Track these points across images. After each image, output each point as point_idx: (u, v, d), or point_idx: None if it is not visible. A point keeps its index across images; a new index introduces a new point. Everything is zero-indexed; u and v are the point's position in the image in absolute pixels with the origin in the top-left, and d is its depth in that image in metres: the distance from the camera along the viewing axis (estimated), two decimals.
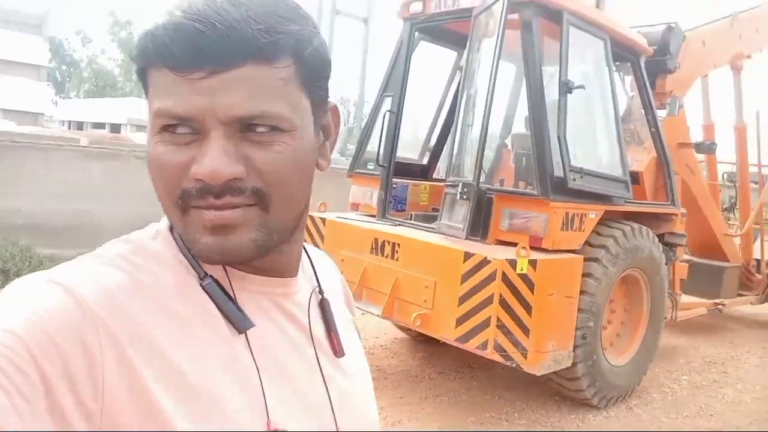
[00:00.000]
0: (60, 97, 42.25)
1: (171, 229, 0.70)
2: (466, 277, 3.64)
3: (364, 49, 11.20)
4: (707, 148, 6.08)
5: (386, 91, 4.85)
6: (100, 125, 34.36)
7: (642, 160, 4.95)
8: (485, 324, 3.55)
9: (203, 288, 0.66)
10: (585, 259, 3.96)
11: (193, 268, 0.67)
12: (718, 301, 6.88)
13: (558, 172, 3.77)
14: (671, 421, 4.42)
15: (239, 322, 0.66)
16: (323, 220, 4.68)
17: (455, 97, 5.59)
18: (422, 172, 5.59)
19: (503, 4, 3.61)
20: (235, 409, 0.62)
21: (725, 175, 8.19)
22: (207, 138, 0.61)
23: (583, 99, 4.18)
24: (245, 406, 0.63)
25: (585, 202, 3.97)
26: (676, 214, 5.01)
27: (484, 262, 3.55)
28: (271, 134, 0.62)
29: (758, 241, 8.02)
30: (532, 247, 3.77)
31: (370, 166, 4.94)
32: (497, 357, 3.57)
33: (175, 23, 0.59)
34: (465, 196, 3.64)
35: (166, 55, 0.60)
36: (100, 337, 0.56)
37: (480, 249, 3.71)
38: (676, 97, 5.34)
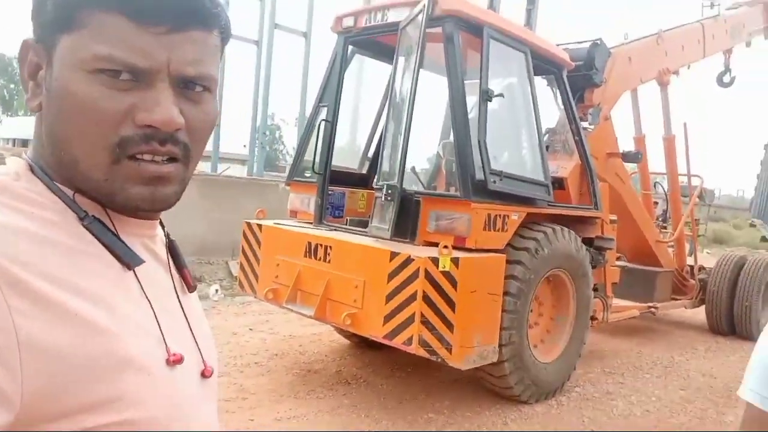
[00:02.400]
0: (8, 115, 41.36)
1: (32, 169, 0.69)
2: (392, 276, 3.79)
3: (305, 64, 11.38)
4: (633, 157, 6.40)
5: (322, 101, 5.01)
6: None
7: (567, 166, 5.21)
8: (410, 320, 3.69)
9: (85, 227, 0.66)
10: (508, 261, 4.14)
11: (71, 208, 0.67)
12: (651, 304, 7.19)
13: (479, 175, 3.97)
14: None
15: (129, 259, 0.69)
16: (260, 226, 4.79)
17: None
18: (361, 180, 5.74)
19: (423, 17, 3.82)
20: (136, 339, 0.65)
21: (657, 185, 8.58)
22: (152, 88, 0.64)
23: (506, 108, 4.42)
24: (146, 336, 0.66)
25: (507, 203, 4.18)
26: (599, 218, 5.27)
27: (408, 260, 3.71)
28: (203, 94, 0.69)
29: (689, 249, 8.45)
30: (456, 247, 3.94)
31: (308, 174, 5.08)
32: (422, 352, 3.70)
33: None
34: (389, 197, 3.80)
35: (130, 2, 0.63)
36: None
37: (406, 249, 3.87)
38: (598, 108, 5.64)
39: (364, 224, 4.97)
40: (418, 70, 3.82)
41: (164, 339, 0.68)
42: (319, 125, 4.84)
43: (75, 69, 0.63)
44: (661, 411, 4.85)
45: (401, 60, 4.27)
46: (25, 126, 39.13)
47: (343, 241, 4.18)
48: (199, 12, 0.67)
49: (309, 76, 11.51)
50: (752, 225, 10.42)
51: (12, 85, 43.28)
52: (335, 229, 4.65)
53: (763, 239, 9.17)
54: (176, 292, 0.78)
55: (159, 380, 0.66)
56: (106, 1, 0.63)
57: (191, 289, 0.83)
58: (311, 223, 4.91)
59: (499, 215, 4.13)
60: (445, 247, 3.72)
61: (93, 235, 0.66)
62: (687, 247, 8.42)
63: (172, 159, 0.67)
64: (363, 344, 5.58)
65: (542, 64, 4.90)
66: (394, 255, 3.79)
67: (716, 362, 6.63)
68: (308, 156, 5.16)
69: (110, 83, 0.63)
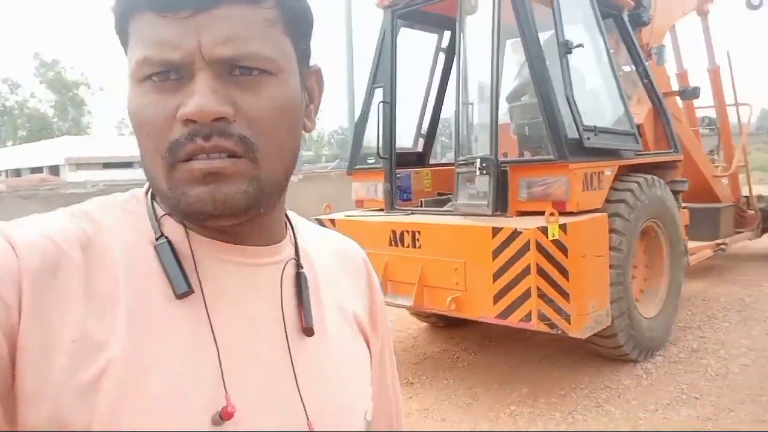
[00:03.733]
0: None
1: (147, 192, 0.68)
2: (497, 253, 3.57)
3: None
4: (691, 93, 6.12)
5: (375, 83, 4.76)
6: (37, 169, 33.54)
7: (639, 112, 4.95)
8: (526, 295, 3.49)
9: (155, 249, 0.63)
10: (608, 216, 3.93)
11: (153, 230, 0.64)
12: (719, 241, 6.97)
13: (572, 133, 3.73)
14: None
15: (177, 286, 0.61)
16: (333, 221, 4.57)
17: (442, 79, 5.54)
18: (419, 159, 5.51)
19: None
20: (144, 378, 0.57)
21: (705, 119, 8.28)
22: (192, 80, 0.58)
23: (580, 58, 4.14)
24: (161, 377, 0.58)
25: (601, 159, 3.94)
26: (680, 161, 5.02)
27: (515, 234, 3.49)
28: (259, 77, 0.60)
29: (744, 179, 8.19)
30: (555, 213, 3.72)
31: (370, 160, 4.84)
32: (543, 327, 3.51)
33: None
34: (485, 171, 3.57)
35: None
36: (22, 282, 0.55)
37: (506, 222, 3.64)
38: (662, 46, 5.36)
39: (440, 203, 4.76)
40: (499, 33, 3.56)
41: (224, 384, 0.59)
42: (378, 107, 4.59)
43: (132, 83, 0.61)
44: (759, 363, 4.40)
45: (463, 26, 3.99)
46: (16, 155, 38.92)
47: (432, 224, 3.96)
48: None
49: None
50: None
51: None
52: (413, 213, 4.43)
53: None
54: (285, 333, 0.67)
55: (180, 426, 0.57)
56: (133, 4, 0.59)
57: (306, 332, 0.69)
58: (382, 210, 4.70)
59: (595, 173, 3.89)
60: (552, 214, 3.49)
61: (158, 257, 0.62)
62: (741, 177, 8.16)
63: (232, 155, 0.59)
64: (439, 324, 5.42)
65: (603, 7, 4.61)
66: (496, 231, 3.57)
67: None
68: (365, 142, 4.93)
69: (159, 87, 0.59)
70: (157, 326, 0.59)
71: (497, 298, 3.60)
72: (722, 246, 6.97)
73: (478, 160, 3.58)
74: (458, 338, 5.19)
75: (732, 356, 4.54)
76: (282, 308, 0.68)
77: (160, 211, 0.66)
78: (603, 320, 3.85)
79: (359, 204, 4.98)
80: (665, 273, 4.77)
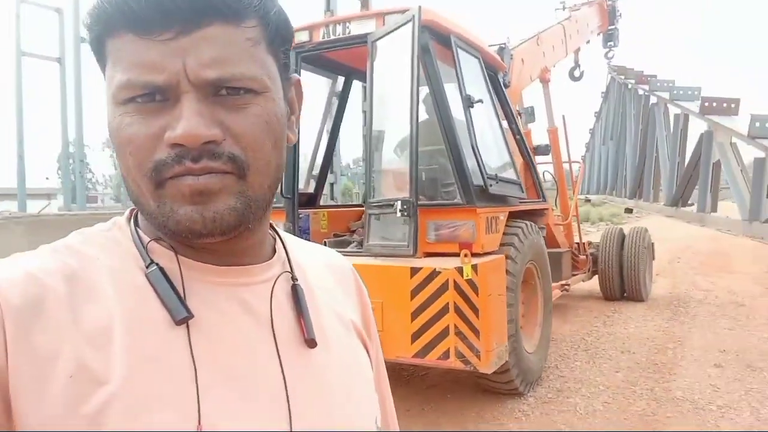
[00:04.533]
0: None
1: (129, 219, 0.68)
2: (415, 292, 3.71)
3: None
4: (544, 150, 6.91)
5: None
6: None
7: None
8: (444, 334, 3.64)
9: (146, 277, 0.62)
10: None
11: (141, 256, 0.64)
12: (563, 282, 7.82)
13: (477, 180, 4.03)
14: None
15: (176, 312, 0.61)
16: None
17: (334, 123, 5.67)
18: (309, 200, 5.52)
19: (414, 28, 3.78)
20: (150, 409, 0.56)
21: (545, 174, 9.34)
22: (178, 102, 0.58)
23: (474, 112, 4.52)
24: (169, 406, 0.57)
25: (498, 205, 4.29)
26: (547, 209, 5.62)
27: (434, 273, 3.66)
28: (245, 97, 0.61)
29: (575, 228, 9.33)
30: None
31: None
32: (459, 364, 3.67)
33: None
34: (406, 213, 3.71)
35: (129, 17, 0.57)
36: (5, 322, 0.54)
37: (422, 263, 3.80)
38: (531, 107, 6.01)
39: (343, 244, 4.80)
40: (418, 81, 3.77)
41: (199, 411, 0.58)
42: None
43: (111, 104, 0.61)
44: (618, 399, 4.67)
45: (377, 72, 4.17)
46: None
47: None
48: (209, 5, 0.58)
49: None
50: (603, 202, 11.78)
51: None
52: None
53: (627, 210, 10.38)
54: (278, 353, 0.66)
55: None
56: (112, 25, 0.59)
57: (309, 343, 0.69)
58: None
59: (494, 217, 4.22)
60: (465, 255, 3.72)
61: (150, 284, 0.62)
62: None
63: (219, 172, 0.61)
64: None
65: (486, 68, 5.10)
66: (415, 270, 3.71)
67: (623, 331, 6.95)
68: None
69: (136, 109, 0.59)
70: (156, 354, 0.59)
71: (415, 337, 3.71)
72: (566, 287, 7.83)
73: (399, 203, 3.72)
74: None
75: (593, 394, 4.78)
76: (272, 325, 0.67)
77: (145, 237, 0.66)
78: (503, 355, 4.13)
79: None
80: (540, 310, 5.24)
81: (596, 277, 9.09)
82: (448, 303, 3.62)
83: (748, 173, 4.52)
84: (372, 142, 4.19)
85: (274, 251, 0.74)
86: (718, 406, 4.46)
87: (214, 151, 0.58)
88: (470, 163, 4.04)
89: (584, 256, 8.98)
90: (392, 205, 3.81)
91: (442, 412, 4.43)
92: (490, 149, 4.66)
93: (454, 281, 3.62)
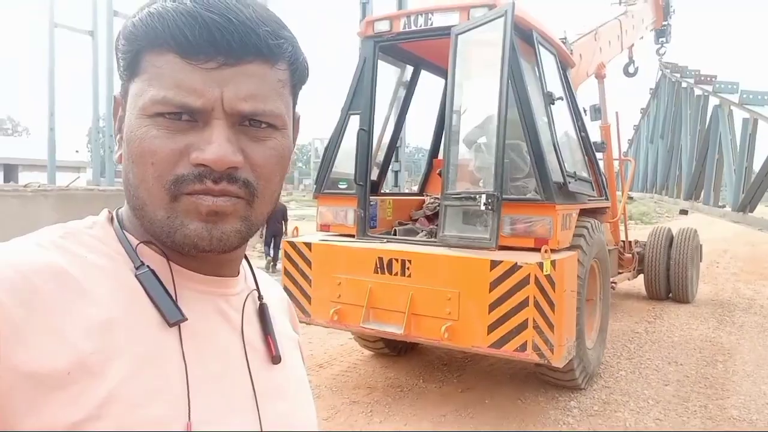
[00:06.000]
0: None
1: (110, 220, 0.71)
2: (495, 285, 3.77)
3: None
4: (599, 147, 6.88)
5: (351, 109, 4.80)
6: None
7: None
8: (522, 327, 3.70)
9: (137, 278, 0.65)
10: None
11: (130, 257, 0.66)
12: (611, 280, 7.81)
13: (556, 177, 4.06)
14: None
15: (170, 314, 0.64)
16: (308, 245, 4.50)
17: (400, 113, 5.73)
18: (372, 187, 5.58)
19: (506, 24, 3.80)
20: (147, 404, 0.59)
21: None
22: (208, 125, 0.62)
23: (553, 109, 4.54)
24: (163, 402, 0.60)
25: (573, 203, 4.32)
26: (609, 207, 5.62)
27: (515, 267, 3.71)
28: (267, 131, 0.66)
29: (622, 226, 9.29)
30: (535, 249, 4.01)
31: (342, 185, 4.84)
32: (534, 357, 3.74)
33: (189, 11, 0.61)
34: (490, 207, 3.76)
35: (179, 40, 0.61)
36: None
37: (503, 256, 3.85)
38: (597, 104, 5.99)
39: (412, 232, 4.87)
40: (510, 77, 3.80)
41: (189, 408, 0.62)
42: (359, 135, 4.64)
43: (139, 116, 0.63)
44: (670, 417, 4.48)
45: (459, 65, 4.21)
46: None
47: (424, 254, 4.06)
48: (254, 44, 0.63)
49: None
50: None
51: None
52: (395, 241, 4.50)
53: (683, 212, 10.29)
54: (247, 362, 0.71)
55: None
56: (158, 43, 0.62)
57: (273, 359, 0.75)
58: (352, 235, 4.72)
59: (568, 214, 4.26)
60: (546, 251, 3.77)
61: (141, 285, 0.64)
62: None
63: (233, 196, 0.65)
64: (389, 353, 5.50)
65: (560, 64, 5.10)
66: (495, 264, 3.77)
67: (667, 339, 6.71)
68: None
69: (170, 125, 0.62)
70: (151, 353, 0.61)
71: (491, 328, 3.78)
72: (613, 284, 7.82)
73: (484, 196, 3.77)
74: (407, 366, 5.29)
75: (642, 409, 4.59)
76: (243, 337, 0.72)
77: (133, 239, 0.68)
78: (572, 350, 4.19)
79: (325, 228, 4.93)
80: (599, 306, 5.28)
81: (641, 276, 9.06)
82: (528, 297, 3.68)
83: None
84: (450, 135, 4.24)
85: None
86: None
87: (233, 175, 0.63)
88: (550, 160, 4.07)
89: (630, 255, 8.95)
90: (474, 198, 3.86)
91: (479, 420, 4.23)
92: (566, 146, 4.68)
93: (535, 276, 3.68)
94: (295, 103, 0.72)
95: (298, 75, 0.70)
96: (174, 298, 0.66)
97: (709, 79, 8.45)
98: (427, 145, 6.39)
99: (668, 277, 8.73)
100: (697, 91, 9.17)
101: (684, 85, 9.95)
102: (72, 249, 0.63)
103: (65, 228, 0.67)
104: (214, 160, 0.61)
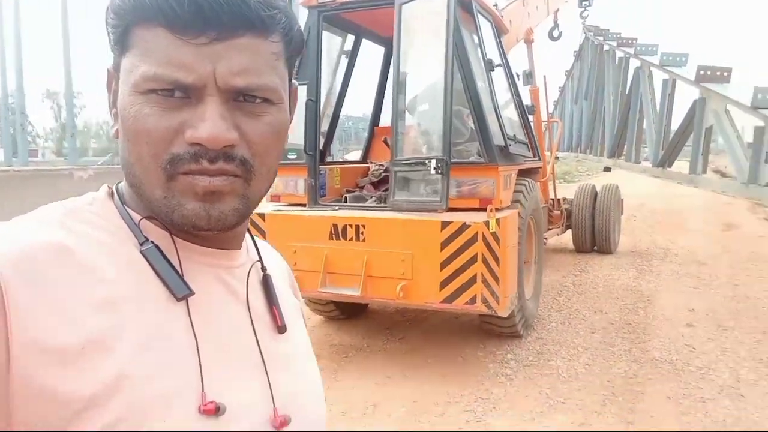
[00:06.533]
0: None
1: (111, 195, 0.70)
2: (445, 244, 4.03)
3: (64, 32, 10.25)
4: (529, 109, 7.23)
5: (298, 80, 4.86)
6: None
7: None
8: (472, 281, 3.99)
9: (142, 254, 0.65)
10: None
11: (133, 233, 0.66)
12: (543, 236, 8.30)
13: (498, 140, 4.33)
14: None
15: (177, 289, 0.64)
16: (262, 215, 4.60)
17: (343, 82, 5.83)
18: (320, 156, 5.71)
19: None
20: (159, 377, 0.60)
21: None
22: (202, 102, 0.61)
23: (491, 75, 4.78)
24: (175, 375, 0.61)
25: (512, 164, 4.62)
26: (541, 167, 5.99)
27: (464, 227, 3.98)
28: (263, 106, 0.65)
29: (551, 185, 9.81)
30: (480, 209, 4.29)
31: (291, 155, 4.94)
32: (483, 309, 4.05)
33: None
34: (440, 171, 3.99)
35: (169, 15, 0.60)
36: (5, 300, 0.55)
37: (451, 217, 4.11)
38: (528, 69, 6.29)
39: (361, 199, 5.05)
40: (454, 45, 3.99)
41: (202, 383, 0.62)
42: (307, 105, 4.73)
43: (131, 92, 0.62)
44: (598, 362, 4.73)
45: (403, 35, 4.36)
46: None
47: (378, 219, 4.26)
48: (245, 17, 0.62)
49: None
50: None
51: None
52: (345, 208, 4.67)
53: (606, 169, 10.93)
54: (255, 333, 0.72)
55: (180, 425, 0.60)
56: (146, 17, 0.61)
57: (279, 329, 0.75)
58: (303, 205, 4.85)
59: (508, 175, 4.56)
60: (491, 210, 4.05)
61: (147, 261, 0.65)
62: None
63: (230, 175, 0.64)
64: (340, 316, 5.71)
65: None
66: (445, 224, 4.02)
67: (592, 291, 6.98)
68: None
69: (162, 102, 0.61)
70: (161, 328, 0.62)
71: (443, 284, 4.05)
72: (544, 240, 8.31)
73: (434, 161, 3.99)
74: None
75: (572, 356, 4.82)
76: (249, 308, 0.72)
77: (135, 215, 0.68)
78: (515, 301, 4.54)
79: (275, 198, 5.04)
80: (534, 262, 5.67)
81: (569, 231, 9.63)
82: (476, 254, 3.96)
83: (743, 139, 4.99)
84: (398, 104, 4.41)
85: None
86: (697, 367, 4.58)
87: (229, 153, 0.62)
88: (492, 124, 4.33)
89: (559, 212, 9.48)
90: (424, 163, 4.08)
91: (423, 379, 4.38)
92: (505, 111, 4.95)
93: (482, 234, 3.96)
94: (290, 76, 0.71)
95: (293, 46, 0.68)
96: (180, 272, 0.66)
97: (630, 41, 8.97)
98: (355, 112, 6.55)
99: (593, 231, 9.32)
100: (619, 54, 9.70)
101: (606, 47, 10.49)
102: (75, 227, 0.63)
103: (65, 206, 0.67)
104: (208, 139, 0.60)
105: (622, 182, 10.53)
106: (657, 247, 10.09)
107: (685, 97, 6.35)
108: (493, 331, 5.12)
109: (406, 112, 4.51)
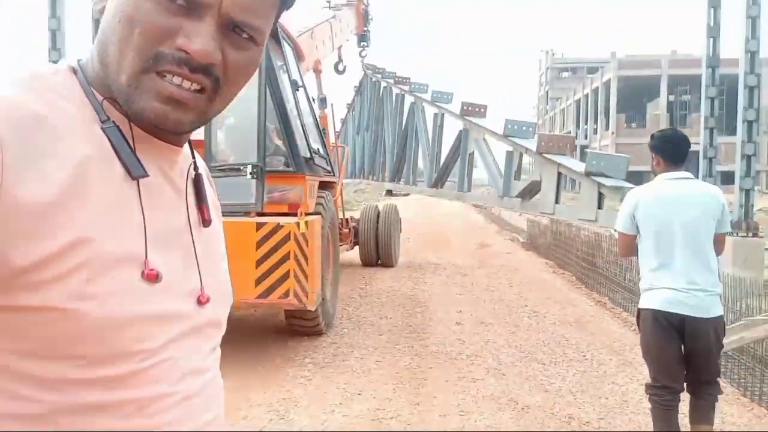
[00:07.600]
0: None
1: (74, 72, 0.72)
2: (260, 243, 4.37)
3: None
4: (322, 132, 7.90)
5: None
6: None
7: None
8: (285, 277, 4.39)
9: (103, 130, 0.67)
10: None
11: (95, 110, 0.68)
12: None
13: (305, 153, 4.83)
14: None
15: (134, 169, 0.68)
16: None
17: None
18: None
19: None
20: (111, 243, 0.64)
21: None
22: (201, 20, 0.66)
23: (295, 95, 5.30)
24: (126, 243, 0.66)
25: (315, 175, 5.15)
26: (336, 183, 6.65)
27: (278, 227, 4.38)
28: (248, 42, 0.70)
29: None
30: (288, 214, 4.72)
31: None
32: (295, 302, 4.45)
33: None
34: (255, 176, 4.33)
35: None
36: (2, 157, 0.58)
37: (266, 219, 4.47)
38: (325, 95, 6.93)
39: None
40: (265, 68, 4.40)
41: (146, 253, 0.67)
42: None
43: None
44: (387, 359, 5.11)
45: None
46: None
47: None
48: None
49: None
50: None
51: None
52: None
53: (388, 192, 12.03)
54: (189, 222, 0.77)
55: (125, 285, 0.65)
56: None
57: (205, 223, 0.81)
58: None
59: (313, 184, 5.08)
60: (301, 213, 4.51)
61: (108, 138, 0.67)
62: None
63: (199, 90, 0.68)
64: None
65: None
66: (260, 225, 4.38)
67: (377, 300, 7.64)
68: None
69: (165, 3, 0.65)
70: (118, 203, 0.66)
71: (259, 281, 4.38)
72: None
73: (249, 167, 4.32)
74: None
75: (364, 356, 5.21)
76: (186, 201, 0.78)
77: (97, 94, 0.70)
78: (320, 296, 5.03)
79: None
80: (331, 266, 6.24)
81: (357, 247, 10.43)
82: (289, 251, 4.37)
83: (497, 161, 6.18)
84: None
85: None
86: (467, 356, 5.22)
87: (209, 69, 0.66)
88: (298, 137, 4.82)
89: (347, 230, 10.24)
90: (239, 169, 4.39)
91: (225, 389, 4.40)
92: (308, 127, 5.49)
93: (294, 234, 4.39)
94: (274, 27, 0.77)
95: (287, 3, 0.74)
96: (136, 155, 0.69)
97: (404, 80, 10.25)
98: None
99: (377, 246, 10.26)
100: (396, 90, 10.97)
101: (384, 84, 11.75)
102: (43, 93, 0.65)
103: (30, 70, 0.68)
104: (198, 52, 0.64)
105: (401, 203, 11.73)
106: (429, 262, 11.22)
107: (452, 128, 7.57)
108: (299, 330, 5.52)
109: (220, 122, 4.78)
